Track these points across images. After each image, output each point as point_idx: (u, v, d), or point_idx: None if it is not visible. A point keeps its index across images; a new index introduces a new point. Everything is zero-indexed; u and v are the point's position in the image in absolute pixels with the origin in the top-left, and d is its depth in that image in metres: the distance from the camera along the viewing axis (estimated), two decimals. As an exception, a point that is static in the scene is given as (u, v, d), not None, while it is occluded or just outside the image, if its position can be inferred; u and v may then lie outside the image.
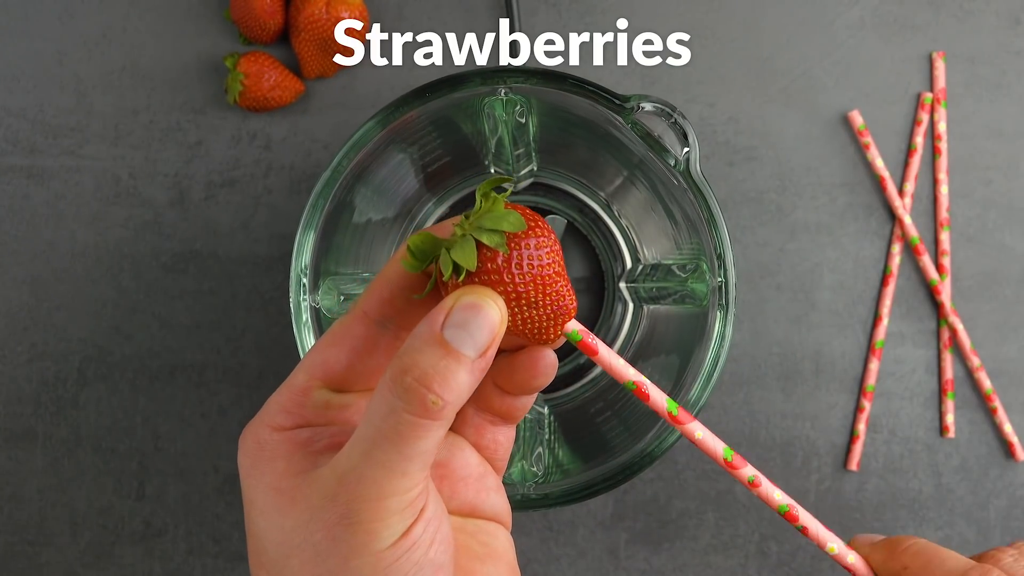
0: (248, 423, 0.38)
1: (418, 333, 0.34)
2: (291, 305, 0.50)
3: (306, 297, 0.50)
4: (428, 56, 0.67)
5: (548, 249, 0.36)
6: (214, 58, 0.67)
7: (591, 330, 0.62)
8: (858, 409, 0.66)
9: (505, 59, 0.67)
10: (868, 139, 0.66)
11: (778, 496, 0.40)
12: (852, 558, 0.42)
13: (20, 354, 0.67)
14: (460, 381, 0.34)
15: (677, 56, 0.67)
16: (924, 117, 0.66)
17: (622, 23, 0.67)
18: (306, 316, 0.50)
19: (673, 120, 0.46)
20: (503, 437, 0.41)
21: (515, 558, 0.40)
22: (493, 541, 0.39)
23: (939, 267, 0.67)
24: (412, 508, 0.34)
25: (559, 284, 0.37)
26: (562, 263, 0.37)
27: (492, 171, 0.57)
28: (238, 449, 0.37)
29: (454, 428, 0.40)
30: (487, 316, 0.34)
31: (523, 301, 0.36)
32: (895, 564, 0.40)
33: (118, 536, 0.67)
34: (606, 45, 0.67)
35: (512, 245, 0.36)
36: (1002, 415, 0.66)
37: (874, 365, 0.66)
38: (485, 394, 0.39)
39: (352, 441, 0.34)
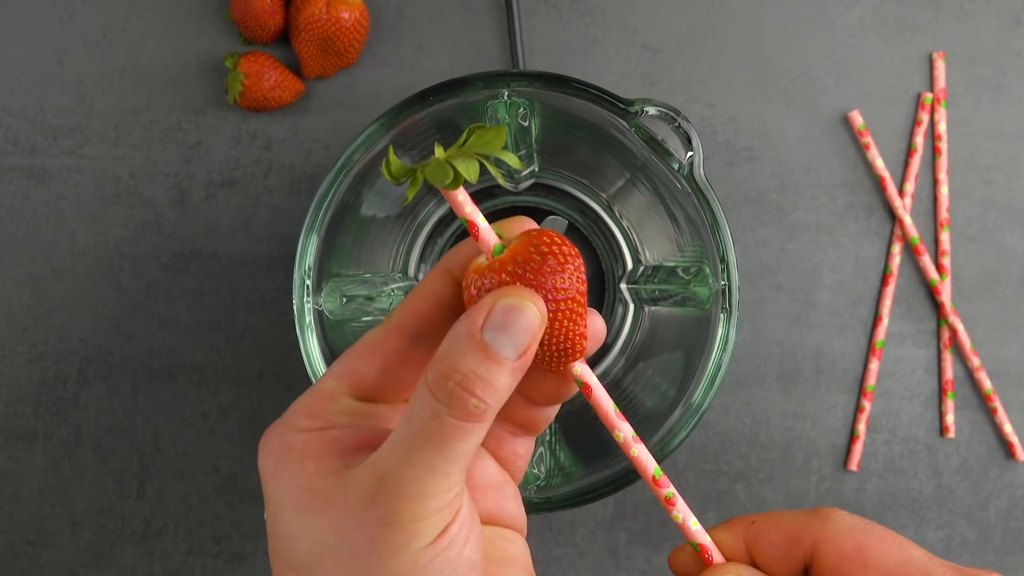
0: (271, 426, 0.38)
1: (457, 335, 0.34)
2: (294, 308, 0.50)
3: (309, 299, 0.50)
4: (428, 56, 0.67)
5: (577, 279, 0.36)
6: (214, 58, 0.67)
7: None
8: (858, 409, 0.66)
9: (507, 60, 0.67)
10: (868, 139, 0.66)
11: (694, 525, 0.40)
12: None
13: (20, 354, 0.67)
14: (501, 384, 0.34)
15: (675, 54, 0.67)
16: (924, 117, 0.67)
17: (623, 24, 0.67)
18: (309, 318, 0.50)
19: (677, 124, 0.46)
20: (523, 449, 0.41)
21: (531, 564, 0.40)
22: (511, 547, 0.40)
23: (939, 267, 0.67)
24: (450, 508, 0.34)
25: (580, 322, 0.36)
26: (584, 298, 0.37)
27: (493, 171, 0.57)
28: (259, 452, 0.37)
29: None
30: (527, 318, 0.34)
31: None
32: (742, 524, 0.40)
33: (118, 536, 0.67)
34: (606, 45, 0.67)
35: (546, 271, 0.35)
36: (1002, 415, 0.66)
37: (874, 365, 0.66)
38: (509, 404, 0.39)
39: (391, 443, 0.34)
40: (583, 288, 0.36)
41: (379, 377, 0.38)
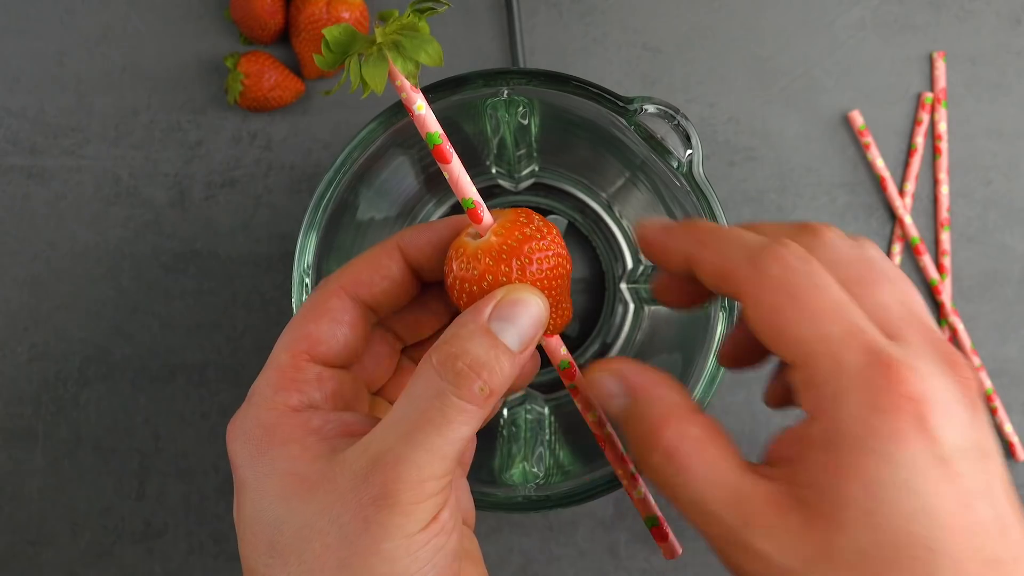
0: (238, 414, 0.37)
1: (463, 322, 0.35)
2: (294, 307, 0.50)
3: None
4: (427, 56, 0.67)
5: (553, 254, 0.37)
6: (214, 58, 0.67)
7: (591, 330, 0.62)
8: (858, 409, 0.66)
9: (507, 61, 0.67)
10: (868, 139, 0.66)
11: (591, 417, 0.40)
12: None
13: (20, 354, 0.67)
14: (505, 372, 0.35)
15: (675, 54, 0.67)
16: (924, 117, 0.67)
17: (623, 24, 0.67)
18: (308, 317, 0.50)
19: (676, 122, 0.46)
20: (471, 441, 0.41)
21: (481, 557, 0.40)
22: (465, 542, 0.39)
23: (939, 267, 0.67)
24: (443, 494, 0.34)
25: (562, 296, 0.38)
26: (566, 274, 0.38)
27: (494, 171, 0.57)
28: (232, 439, 0.37)
29: None
30: (533, 312, 0.35)
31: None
32: (692, 239, 0.38)
33: (118, 536, 0.67)
34: (606, 45, 0.67)
35: (524, 248, 0.37)
36: (1002, 415, 0.66)
37: (874, 365, 0.66)
38: None
39: (388, 424, 0.34)
40: (561, 270, 0.38)
41: (330, 338, 0.38)
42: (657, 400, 0.37)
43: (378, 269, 0.39)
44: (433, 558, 0.34)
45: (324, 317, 0.38)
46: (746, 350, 0.40)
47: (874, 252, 0.37)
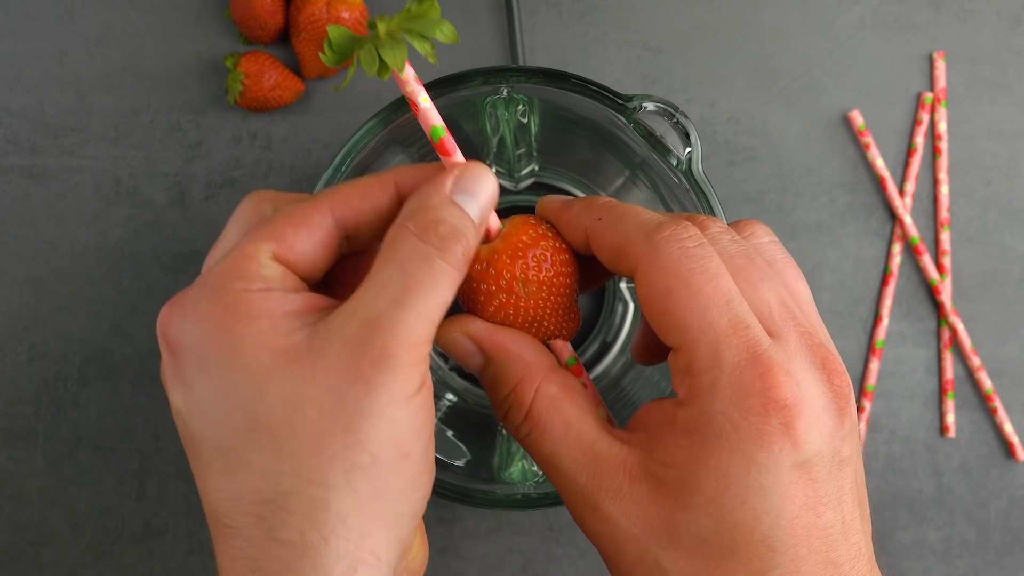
0: (184, 294, 0.36)
1: (428, 194, 0.36)
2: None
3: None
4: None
5: (564, 253, 0.39)
6: (214, 58, 0.67)
7: (591, 329, 0.62)
8: (858, 409, 0.66)
9: (507, 61, 0.67)
10: (868, 139, 0.66)
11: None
12: None
13: (20, 354, 0.67)
14: (472, 240, 0.36)
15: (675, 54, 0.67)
16: (924, 117, 0.67)
17: (623, 23, 0.67)
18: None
19: (675, 120, 0.46)
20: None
21: None
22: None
23: (939, 267, 0.67)
24: (427, 360, 0.34)
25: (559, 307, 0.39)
26: (576, 275, 0.39)
27: (493, 170, 0.57)
28: (178, 316, 0.35)
29: None
30: (489, 187, 0.37)
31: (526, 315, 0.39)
32: (591, 215, 0.38)
33: (118, 536, 0.67)
34: (606, 44, 0.67)
35: (539, 244, 0.38)
36: (1002, 415, 0.66)
37: (874, 365, 0.66)
38: None
39: (373, 288, 0.34)
40: (572, 268, 0.39)
41: (302, 249, 0.36)
42: (515, 359, 0.38)
43: (370, 199, 0.38)
44: (427, 422, 0.34)
45: (304, 228, 0.36)
46: (657, 343, 0.40)
47: (763, 239, 0.38)
